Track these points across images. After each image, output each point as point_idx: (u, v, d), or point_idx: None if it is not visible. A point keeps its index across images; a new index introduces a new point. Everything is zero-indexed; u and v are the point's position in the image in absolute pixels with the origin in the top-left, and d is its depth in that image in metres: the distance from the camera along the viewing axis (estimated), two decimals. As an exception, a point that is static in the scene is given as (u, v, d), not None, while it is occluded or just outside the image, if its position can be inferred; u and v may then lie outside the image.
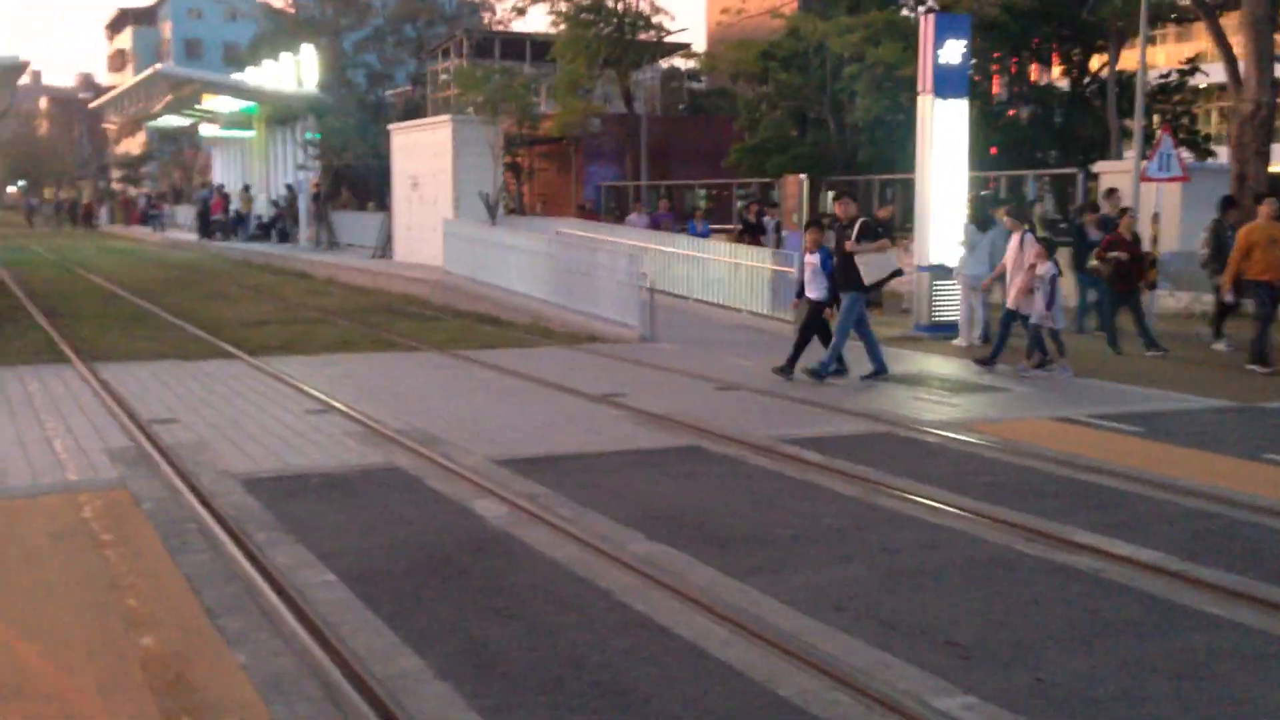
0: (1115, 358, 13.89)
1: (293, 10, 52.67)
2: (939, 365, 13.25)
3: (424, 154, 25.22)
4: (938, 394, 11.27)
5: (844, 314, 11.77)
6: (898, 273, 12.09)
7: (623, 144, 38.55)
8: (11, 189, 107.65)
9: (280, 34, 48.31)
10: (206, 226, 38.93)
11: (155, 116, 41.41)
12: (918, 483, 7.53)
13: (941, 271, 15.71)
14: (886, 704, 4.25)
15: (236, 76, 37.79)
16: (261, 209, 38.12)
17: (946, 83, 15.63)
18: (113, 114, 49.81)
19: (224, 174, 43.55)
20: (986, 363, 12.71)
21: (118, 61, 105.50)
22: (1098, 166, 21.44)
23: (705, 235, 22.82)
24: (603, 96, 39.97)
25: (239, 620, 4.91)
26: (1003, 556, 6.09)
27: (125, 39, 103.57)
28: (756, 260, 16.76)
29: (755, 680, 4.46)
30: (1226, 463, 8.43)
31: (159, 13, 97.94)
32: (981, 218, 15.12)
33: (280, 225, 35.79)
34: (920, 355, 13.98)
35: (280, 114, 35.06)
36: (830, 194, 27.22)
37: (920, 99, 15.90)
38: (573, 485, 7.40)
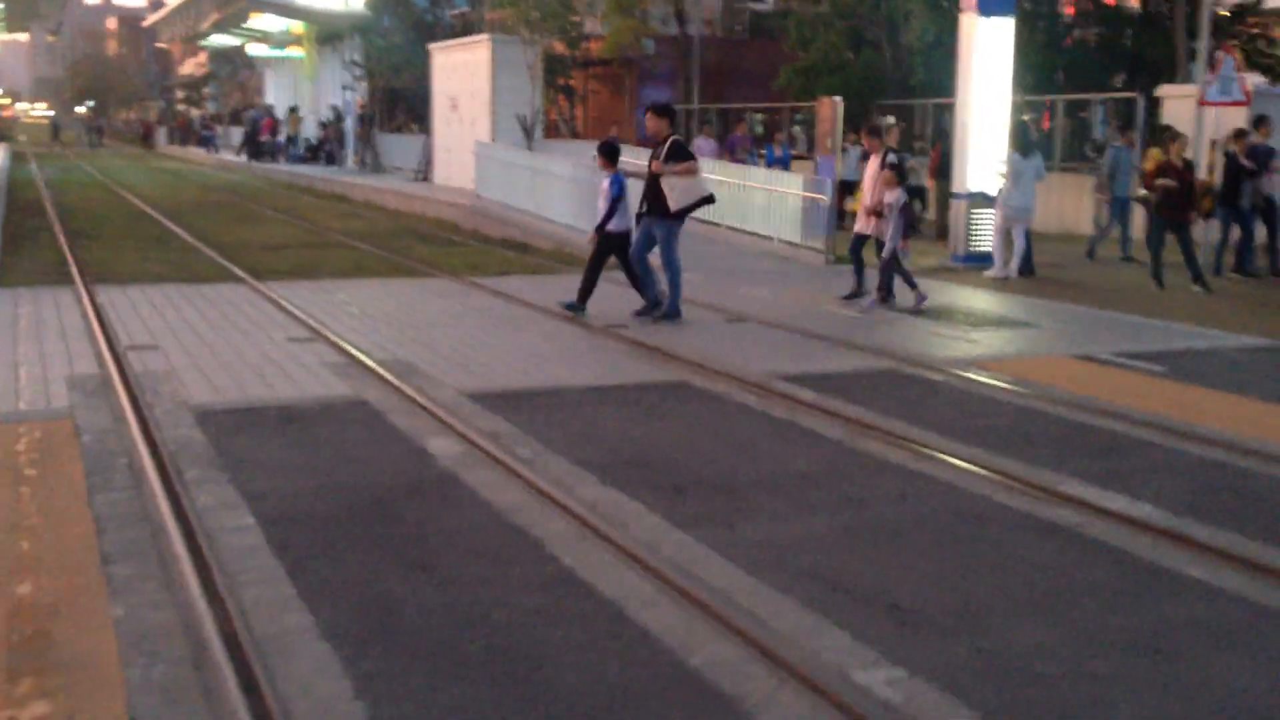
0: (1158, 292, 13.21)
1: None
2: (966, 298, 12.67)
3: (463, 75, 24.72)
4: (959, 329, 10.73)
5: (665, 247, 10.74)
6: (709, 199, 10.98)
7: (676, 67, 37.70)
8: (80, 110, 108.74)
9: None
10: (256, 148, 38.80)
11: (205, 35, 41.14)
12: (908, 425, 7.06)
13: (980, 200, 15.04)
14: (803, 676, 3.84)
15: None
16: (310, 131, 37.86)
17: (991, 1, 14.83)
18: (165, 32, 49.66)
19: (275, 95, 43.31)
20: (851, 297, 12.12)
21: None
22: (1160, 90, 20.41)
23: (785, 163, 21.74)
24: (660, 18, 39.12)
25: (132, 567, 4.61)
26: (978, 510, 5.63)
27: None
28: (786, 186, 16.14)
29: (668, 647, 4.08)
30: (1252, 407, 7.85)
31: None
32: (1024, 144, 14.42)
33: (328, 147, 35.54)
34: (951, 287, 13.39)
35: (326, 33, 34.63)
36: (886, 118, 26.42)
37: (963, 16, 15.12)
38: (541, 422, 7.03)
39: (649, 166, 10.73)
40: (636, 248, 10.86)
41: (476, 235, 18.56)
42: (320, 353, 8.89)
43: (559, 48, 43.43)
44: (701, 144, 22.64)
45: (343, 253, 15.88)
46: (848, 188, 16.96)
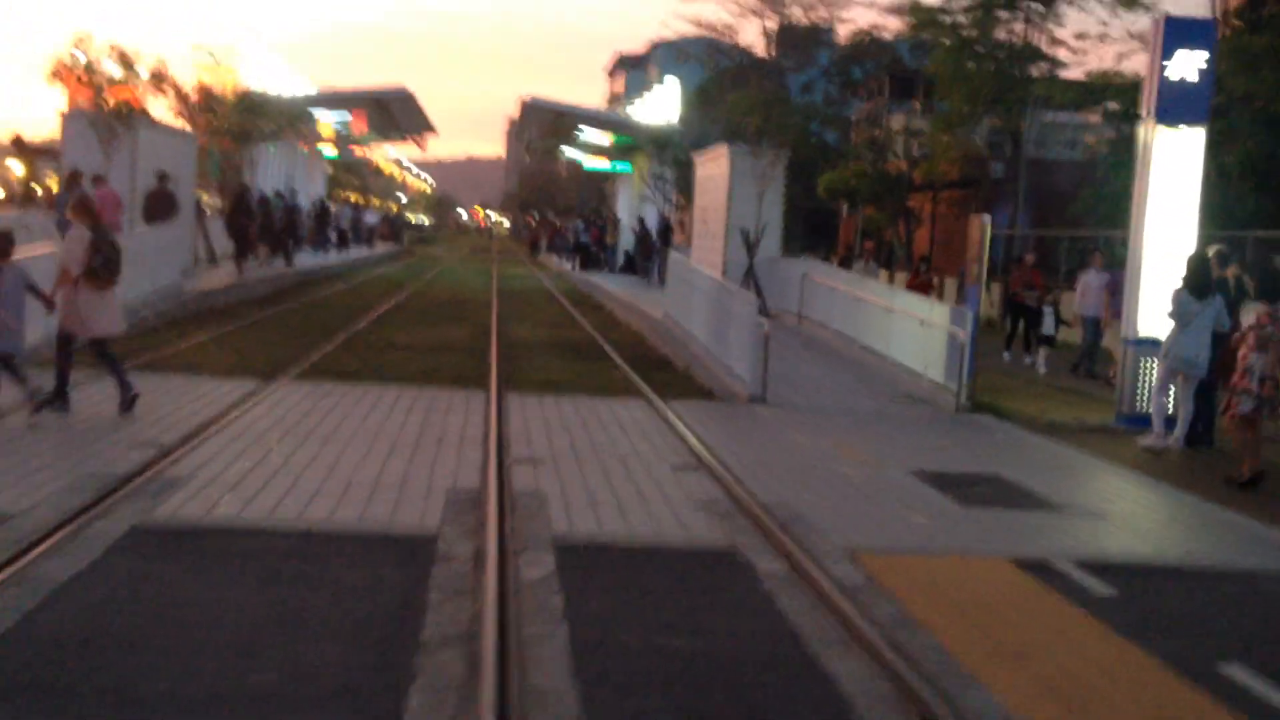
0: None
1: (763, 55, 51.70)
2: (1070, 474, 9.95)
3: (710, 187, 23.83)
4: (963, 508, 8.26)
5: None
6: None
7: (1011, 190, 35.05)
8: (530, 219, 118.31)
9: (731, 74, 47.97)
10: (585, 258, 39.53)
11: (545, 148, 42.82)
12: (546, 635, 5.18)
13: (1150, 348, 12.14)
14: None
15: (603, 109, 38.17)
16: (628, 242, 38.17)
17: (1176, 105, 12.07)
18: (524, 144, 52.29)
19: (621, 206, 44.26)
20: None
21: (613, 102, 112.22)
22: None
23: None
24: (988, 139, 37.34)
25: None
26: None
27: (619, 81, 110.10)
28: (932, 315, 13.77)
29: None
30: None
31: (650, 58, 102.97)
32: (1200, 282, 11.35)
33: (640, 260, 35.55)
34: (1082, 457, 10.69)
35: (624, 146, 34.90)
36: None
37: (1142, 125, 12.40)
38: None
39: None
40: None
41: (638, 350, 17.21)
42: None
43: (903, 166, 41.92)
44: (1091, 280, 17.36)
45: (446, 357, 15.05)
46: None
